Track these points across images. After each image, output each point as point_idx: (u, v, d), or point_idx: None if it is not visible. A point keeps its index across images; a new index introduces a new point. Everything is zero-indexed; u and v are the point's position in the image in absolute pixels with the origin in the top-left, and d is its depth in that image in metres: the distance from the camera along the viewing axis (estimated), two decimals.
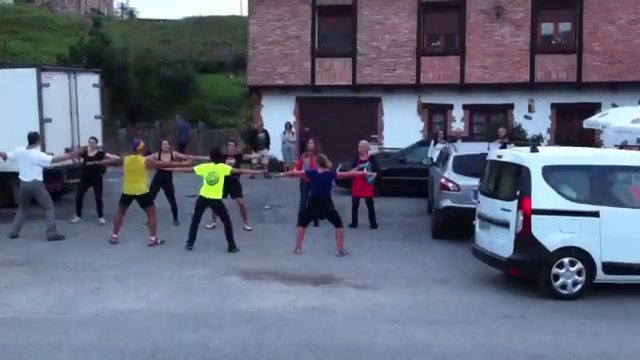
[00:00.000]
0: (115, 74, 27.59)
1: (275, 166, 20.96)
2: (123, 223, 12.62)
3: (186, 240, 12.02)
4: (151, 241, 12.25)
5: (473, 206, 11.06)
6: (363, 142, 14.52)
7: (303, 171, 13.10)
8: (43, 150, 13.45)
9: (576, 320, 8.42)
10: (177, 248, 12.01)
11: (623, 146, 15.66)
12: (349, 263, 11.22)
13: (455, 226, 12.71)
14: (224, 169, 12.11)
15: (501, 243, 9.62)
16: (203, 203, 12.16)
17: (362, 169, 13.69)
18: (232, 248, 11.89)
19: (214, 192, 11.99)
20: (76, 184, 14.84)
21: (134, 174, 12.37)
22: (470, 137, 21.64)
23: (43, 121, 14.48)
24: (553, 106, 22.73)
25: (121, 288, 9.56)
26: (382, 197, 14.66)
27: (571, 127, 21.48)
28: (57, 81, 15.20)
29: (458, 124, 23.28)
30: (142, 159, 12.52)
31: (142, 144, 12.81)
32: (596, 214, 9.22)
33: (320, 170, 11.97)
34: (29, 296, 9.13)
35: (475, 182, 11.49)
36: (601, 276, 9.31)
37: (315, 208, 12.12)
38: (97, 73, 16.91)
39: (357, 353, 7.09)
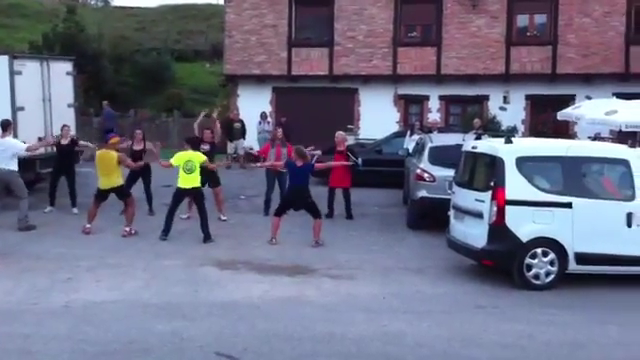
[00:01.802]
0: (89, 62, 27.22)
1: (251, 157, 20.83)
2: (97, 214, 12.50)
3: (161, 230, 11.96)
4: (125, 232, 12.13)
5: (448, 197, 11.11)
6: (340, 133, 14.57)
7: (282, 162, 13.07)
8: (15, 138, 13.25)
9: (548, 310, 8.52)
10: (151, 238, 11.93)
11: (596, 137, 15.88)
12: (324, 253, 11.23)
13: (430, 217, 12.79)
14: (199, 157, 12.05)
15: (475, 233, 9.68)
16: (182, 194, 12.09)
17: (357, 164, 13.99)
18: (207, 238, 11.83)
19: (192, 181, 11.92)
20: (49, 173, 14.65)
21: (107, 169, 12.18)
22: (446, 128, 21.70)
23: (15, 109, 14.28)
24: (528, 97, 22.85)
25: (94, 278, 9.48)
26: (358, 188, 14.70)
27: (545, 119, 21.66)
28: (29, 69, 15.02)
29: (434, 115, 23.34)
30: (114, 155, 12.21)
31: (116, 139, 12.58)
32: (569, 205, 9.31)
33: (299, 163, 11.96)
34: (0, 287, 9.00)
35: (450, 173, 11.54)
36: (573, 266, 9.42)
37: (293, 199, 12.09)
38: (70, 61, 16.72)
39: (332, 342, 7.11)
